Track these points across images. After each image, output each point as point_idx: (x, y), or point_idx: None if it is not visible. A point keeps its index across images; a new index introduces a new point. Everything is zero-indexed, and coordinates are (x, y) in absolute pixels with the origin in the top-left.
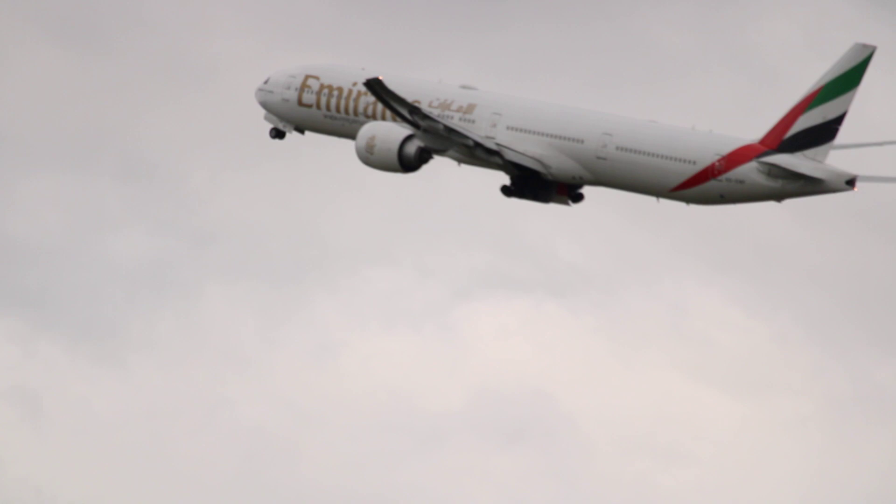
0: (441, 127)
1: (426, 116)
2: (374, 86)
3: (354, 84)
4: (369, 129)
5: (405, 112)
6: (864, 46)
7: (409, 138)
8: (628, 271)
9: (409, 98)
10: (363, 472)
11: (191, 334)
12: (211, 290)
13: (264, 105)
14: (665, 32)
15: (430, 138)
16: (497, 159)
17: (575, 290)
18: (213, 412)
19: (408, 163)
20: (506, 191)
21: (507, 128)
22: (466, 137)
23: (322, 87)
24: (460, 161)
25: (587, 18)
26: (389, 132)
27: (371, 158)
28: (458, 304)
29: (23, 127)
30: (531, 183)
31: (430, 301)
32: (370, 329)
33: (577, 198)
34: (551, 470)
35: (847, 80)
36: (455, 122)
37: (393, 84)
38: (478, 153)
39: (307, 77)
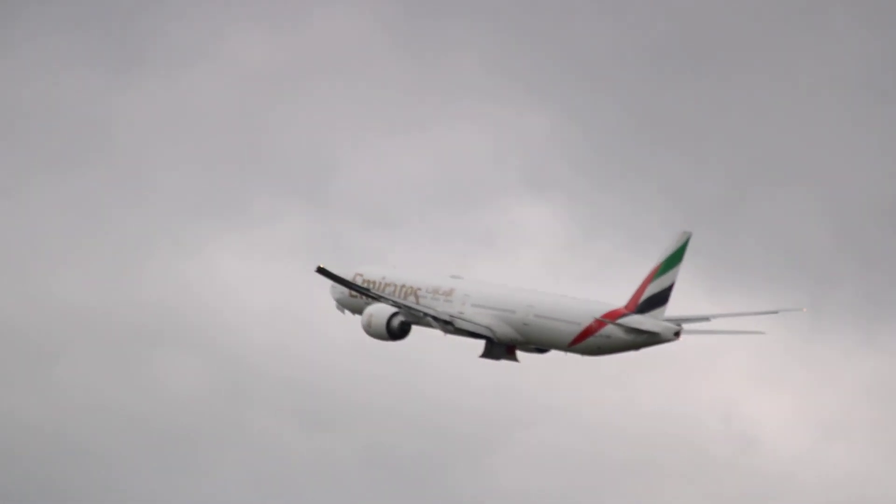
0: (390, 302)
1: (377, 294)
2: (321, 272)
3: (383, 278)
4: (369, 309)
5: (358, 288)
6: (685, 232)
7: (395, 314)
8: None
9: (412, 286)
10: None
11: None
12: None
13: (334, 297)
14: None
15: (407, 314)
16: (451, 328)
17: None
18: None
19: (393, 333)
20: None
21: (472, 305)
22: (419, 311)
23: (364, 281)
24: (444, 331)
25: None
26: (382, 310)
27: (369, 330)
28: None
29: None
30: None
31: None
32: None
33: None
34: None
35: (674, 258)
36: (440, 304)
37: (405, 277)
38: (435, 323)
39: (356, 275)
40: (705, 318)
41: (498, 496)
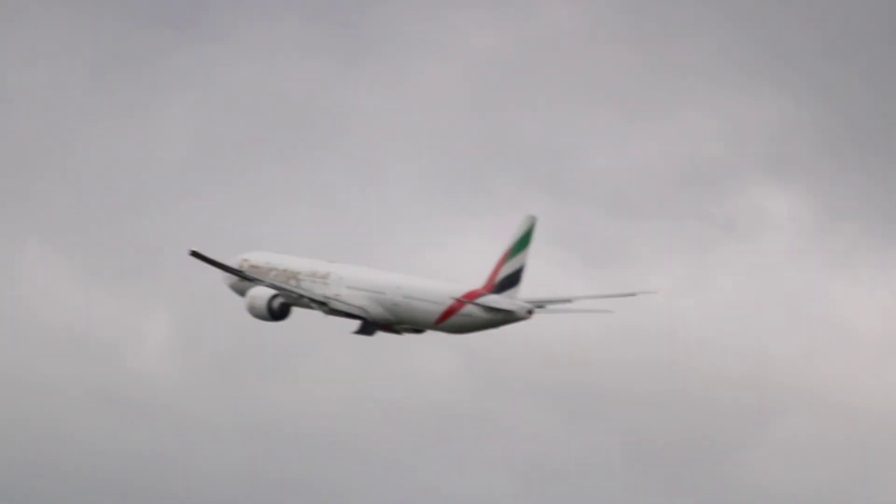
0: (267, 283)
1: (254, 277)
2: (196, 255)
3: (267, 263)
4: (251, 292)
5: (231, 270)
6: (530, 217)
7: (275, 297)
8: None
9: (293, 270)
10: None
11: None
12: None
13: (226, 283)
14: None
15: (286, 296)
16: (325, 308)
17: None
18: None
19: (274, 313)
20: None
21: (347, 287)
22: (293, 292)
23: (249, 266)
24: (325, 312)
25: None
26: (262, 293)
27: (252, 311)
28: None
29: None
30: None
31: None
32: None
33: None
34: None
35: (522, 242)
36: (318, 287)
37: (287, 262)
38: (313, 304)
39: (242, 260)
40: (567, 300)
41: None
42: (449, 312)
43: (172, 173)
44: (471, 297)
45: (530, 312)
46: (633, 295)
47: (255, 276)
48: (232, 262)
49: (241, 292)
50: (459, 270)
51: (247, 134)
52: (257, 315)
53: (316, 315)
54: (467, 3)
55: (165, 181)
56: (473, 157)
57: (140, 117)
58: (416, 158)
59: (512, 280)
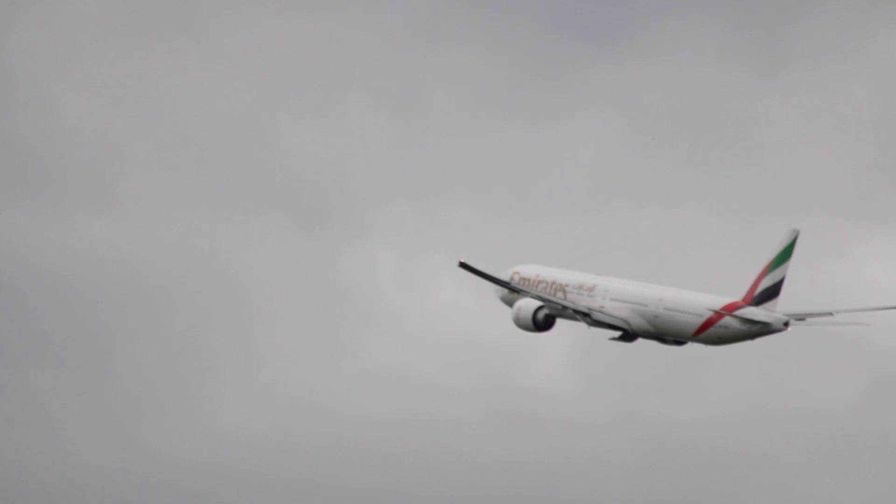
0: (531, 294)
1: (519, 288)
2: (464, 266)
3: (537, 275)
4: (517, 303)
5: (497, 280)
6: (793, 230)
7: (540, 308)
8: None
9: (561, 282)
10: None
11: None
12: None
13: (498, 296)
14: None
15: (551, 307)
16: (589, 319)
17: None
18: None
19: (539, 324)
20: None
21: (611, 299)
22: (557, 303)
23: (520, 278)
24: (588, 324)
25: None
26: (529, 304)
27: (518, 322)
28: None
29: None
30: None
31: None
32: None
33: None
34: None
35: (784, 254)
36: (584, 299)
37: (555, 275)
38: (577, 316)
39: (513, 273)
40: (829, 313)
41: None
42: (707, 324)
43: (579, 187)
44: (730, 308)
45: (786, 325)
46: (895, 308)
47: (523, 287)
48: (503, 276)
49: (510, 304)
50: (862, 281)
51: (656, 148)
52: (522, 326)
53: (581, 326)
54: (892, 18)
55: (570, 195)
56: (880, 169)
57: (553, 130)
58: (825, 170)
59: (771, 292)
